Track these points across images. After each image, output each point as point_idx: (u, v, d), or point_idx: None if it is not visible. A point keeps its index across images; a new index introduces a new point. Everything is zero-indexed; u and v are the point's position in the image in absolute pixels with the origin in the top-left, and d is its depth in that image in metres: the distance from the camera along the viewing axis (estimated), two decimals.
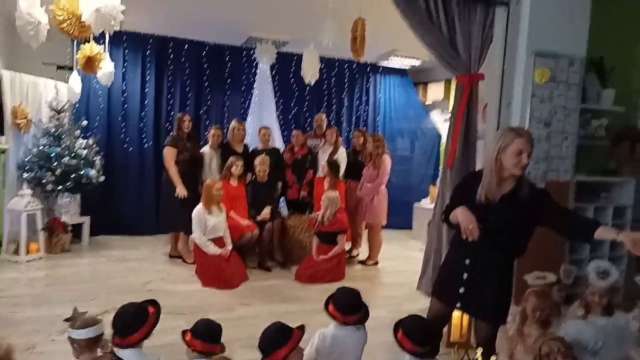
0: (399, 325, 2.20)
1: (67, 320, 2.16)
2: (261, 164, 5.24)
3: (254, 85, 6.83)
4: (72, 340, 2.09)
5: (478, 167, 3.47)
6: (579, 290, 3.08)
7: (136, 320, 2.08)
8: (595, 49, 3.64)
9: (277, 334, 2.00)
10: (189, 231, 4.83)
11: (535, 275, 2.87)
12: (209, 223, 4.57)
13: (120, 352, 2.02)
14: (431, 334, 2.21)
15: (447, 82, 7.30)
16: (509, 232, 2.25)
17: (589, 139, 3.77)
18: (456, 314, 3.07)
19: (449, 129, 3.77)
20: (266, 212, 5.14)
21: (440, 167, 6.13)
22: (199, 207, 4.61)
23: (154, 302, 2.23)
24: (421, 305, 3.37)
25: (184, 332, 2.18)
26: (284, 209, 5.98)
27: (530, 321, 2.29)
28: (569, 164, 3.51)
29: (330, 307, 2.40)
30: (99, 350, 2.12)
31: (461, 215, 2.22)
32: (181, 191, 5.01)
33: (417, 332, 2.13)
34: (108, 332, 2.13)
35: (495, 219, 2.22)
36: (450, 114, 3.89)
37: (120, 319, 2.09)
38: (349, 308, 2.37)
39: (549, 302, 2.37)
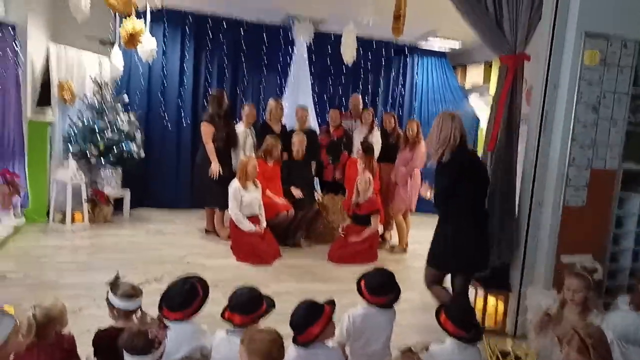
0: (441, 309, 2.19)
1: (110, 283, 2.23)
2: (299, 142, 5.26)
3: (291, 65, 6.84)
4: (112, 307, 2.18)
5: (520, 151, 3.37)
6: (623, 283, 3.00)
7: (188, 298, 2.16)
8: None
9: (309, 311, 2.04)
10: (223, 207, 4.91)
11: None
12: (244, 199, 4.65)
13: (171, 324, 2.07)
14: (474, 318, 2.19)
15: (488, 65, 7.08)
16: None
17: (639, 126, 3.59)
18: (492, 301, 3.04)
19: (491, 111, 3.67)
20: (298, 193, 5.18)
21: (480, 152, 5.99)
22: (235, 182, 4.69)
23: (201, 280, 2.30)
24: None
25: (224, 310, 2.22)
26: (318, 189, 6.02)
27: (569, 304, 2.25)
28: (616, 151, 3.36)
29: (362, 284, 2.39)
30: (134, 317, 2.19)
31: None
32: (215, 167, 5.07)
33: (460, 316, 2.11)
34: (146, 301, 2.21)
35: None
36: (491, 97, 3.78)
37: (174, 296, 2.16)
38: (380, 288, 2.35)
39: (586, 285, 2.31)
